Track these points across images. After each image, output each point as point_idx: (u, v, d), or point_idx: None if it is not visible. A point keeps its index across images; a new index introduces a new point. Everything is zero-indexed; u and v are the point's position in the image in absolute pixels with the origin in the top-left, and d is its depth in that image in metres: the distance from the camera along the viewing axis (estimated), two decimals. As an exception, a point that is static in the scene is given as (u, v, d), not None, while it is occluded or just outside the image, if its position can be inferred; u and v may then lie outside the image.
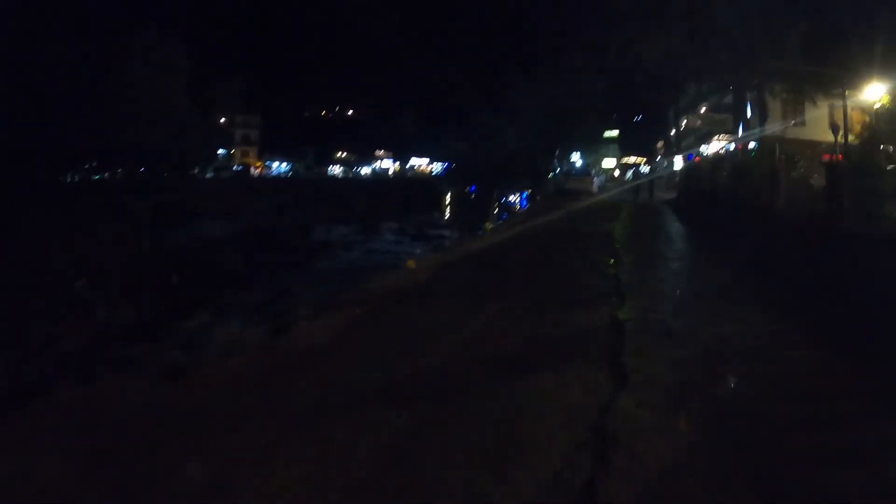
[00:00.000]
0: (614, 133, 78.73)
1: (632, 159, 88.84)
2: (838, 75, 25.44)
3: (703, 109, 52.02)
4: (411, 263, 16.99)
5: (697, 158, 44.46)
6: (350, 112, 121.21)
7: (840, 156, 19.86)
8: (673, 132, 65.73)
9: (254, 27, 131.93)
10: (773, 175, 16.76)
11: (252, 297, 24.12)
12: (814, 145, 28.77)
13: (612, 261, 16.21)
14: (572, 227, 25.26)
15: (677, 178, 43.41)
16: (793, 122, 32.61)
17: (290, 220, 48.68)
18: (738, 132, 36.48)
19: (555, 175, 60.02)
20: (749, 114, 35.59)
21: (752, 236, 16.54)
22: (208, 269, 30.27)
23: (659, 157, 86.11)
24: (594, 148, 73.15)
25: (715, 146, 45.99)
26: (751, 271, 13.58)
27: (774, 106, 34.01)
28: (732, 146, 39.18)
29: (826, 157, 20.06)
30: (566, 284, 13.86)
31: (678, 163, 52.50)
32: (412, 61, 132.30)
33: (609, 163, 78.66)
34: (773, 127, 32.93)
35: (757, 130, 33.35)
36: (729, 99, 41.50)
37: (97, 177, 61.70)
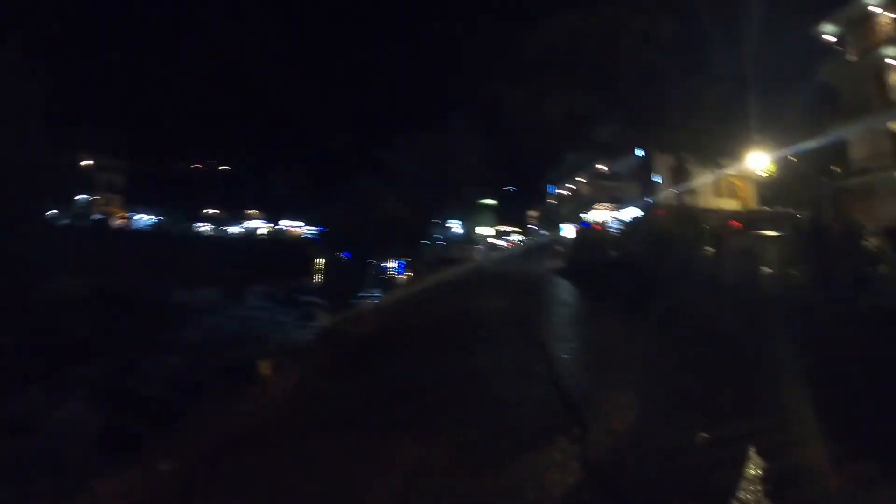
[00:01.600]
0: (491, 202, 78.99)
1: (506, 228, 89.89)
2: (725, 146, 26.19)
3: (577, 179, 52.64)
4: (265, 368, 13.35)
5: (597, 226, 41.95)
6: (223, 168, 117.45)
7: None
8: (551, 201, 66.21)
9: (131, 70, 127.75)
10: (718, 242, 16.09)
11: (89, 370, 21.52)
12: (709, 212, 28.77)
13: (538, 354, 12.90)
14: (467, 304, 22.16)
15: (565, 247, 42.97)
16: (686, 187, 32.49)
17: (149, 280, 45.15)
18: (643, 197, 36.31)
19: (436, 242, 59.05)
20: (648, 179, 35.45)
21: (712, 315, 14.35)
22: (45, 334, 27.06)
23: (532, 226, 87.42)
24: (471, 216, 72.84)
25: (597, 215, 45.87)
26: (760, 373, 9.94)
27: (662, 174, 34.56)
28: (622, 214, 39.12)
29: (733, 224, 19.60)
30: (492, 402, 9.63)
31: (566, 231, 52.18)
32: (291, 119, 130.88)
33: (486, 231, 78.55)
34: (665, 193, 33.28)
35: (653, 196, 33.56)
36: (617, 167, 42.22)
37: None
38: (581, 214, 50.14)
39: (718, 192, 34.12)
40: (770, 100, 24.12)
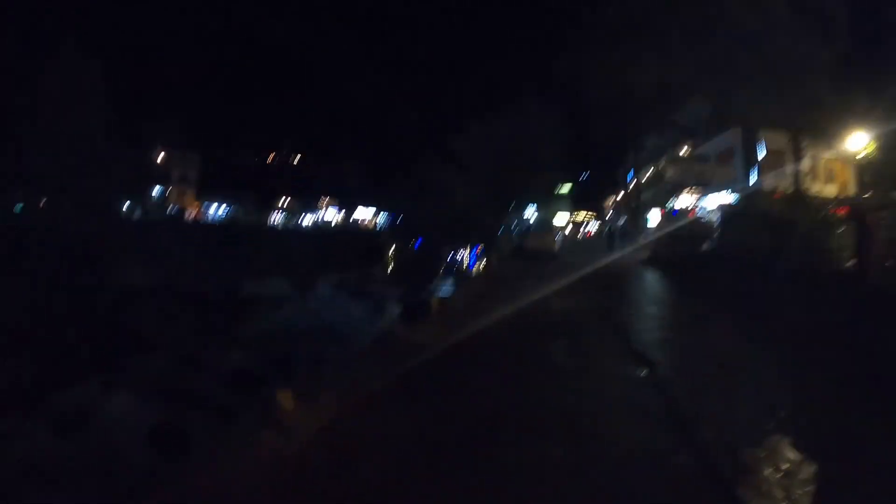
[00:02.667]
0: (567, 188, 75.67)
1: (581, 216, 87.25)
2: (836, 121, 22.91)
3: (661, 163, 49.45)
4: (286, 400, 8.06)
5: (690, 213, 37.97)
6: (296, 158, 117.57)
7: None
8: (632, 186, 62.82)
9: (203, 64, 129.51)
10: (862, 233, 12.82)
11: (151, 364, 20.66)
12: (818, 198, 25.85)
13: (641, 377, 9.56)
14: (548, 301, 18.73)
15: (651, 237, 40.49)
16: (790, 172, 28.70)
17: (220, 272, 44.61)
18: (743, 181, 32.08)
19: (512, 231, 57.15)
20: (751, 159, 30.93)
21: (875, 335, 10.47)
22: (111, 327, 26.50)
23: (610, 213, 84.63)
24: (546, 203, 69.98)
25: (683, 201, 42.61)
26: None
27: (755, 156, 31.53)
28: (712, 200, 35.95)
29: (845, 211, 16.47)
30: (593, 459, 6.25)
31: (651, 218, 49.39)
32: (362, 109, 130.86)
33: (562, 219, 76.10)
34: (767, 179, 30.04)
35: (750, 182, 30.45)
36: (704, 149, 39.08)
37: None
38: (666, 201, 47.30)
39: (815, 176, 30.67)
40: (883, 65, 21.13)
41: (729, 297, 17.03)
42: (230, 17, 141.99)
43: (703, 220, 31.56)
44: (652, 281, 25.87)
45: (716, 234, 24.31)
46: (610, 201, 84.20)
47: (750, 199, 23.93)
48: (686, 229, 29.21)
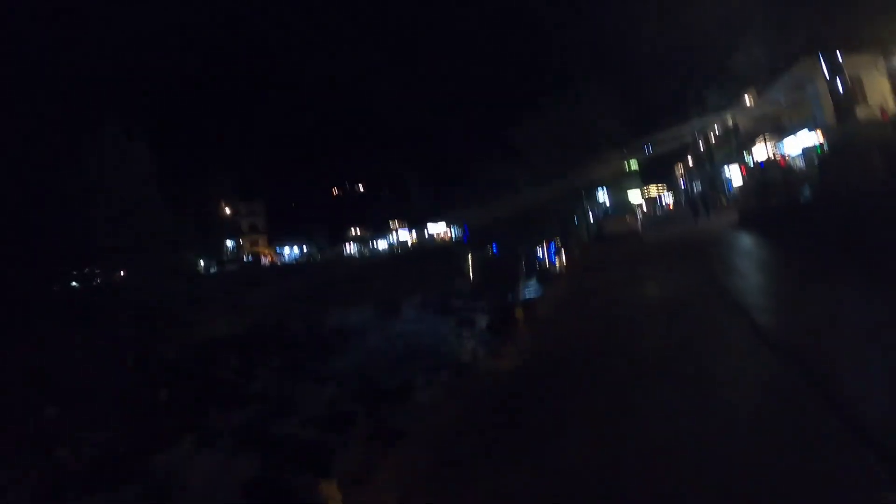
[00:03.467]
0: (633, 164, 72.71)
1: (653, 190, 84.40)
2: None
3: (730, 114, 46.13)
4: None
5: (781, 160, 31.72)
6: (360, 187, 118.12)
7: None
8: (702, 148, 59.67)
9: (252, 111, 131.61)
10: None
11: (243, 415, 20.05)
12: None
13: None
14: (645, 293, 15.30)
15: (736, 196, 37.98)
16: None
17: (302, 311, 44.41)
18: (823, 115, 28.82)
19: (588, 217, 55.26)
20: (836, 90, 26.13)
21: None
22: (199, 380, 26.23)
23: (682, 181, 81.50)
24: (617, 183, 67.43)
25: (760, 151, 38.88)
26: None
27: (825, 87, 28.79)
28: (792, 145, 32.65)
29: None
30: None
31: (733, 177, 45.87)
32: (417, 121, 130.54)
33: (635, 197, 73.52)
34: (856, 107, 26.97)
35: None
36: (771, 92, 35.97)
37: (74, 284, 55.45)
38: (740, 156, 44.29)
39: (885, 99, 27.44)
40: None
41: (853, 252, 13.35)
42: (275, 62, 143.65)
43: (793, 166, 28.62)
44: (753, 245, 22.03)
45: (810, 180, 21.14)
46: (680, 169, 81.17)
47: (847, 130, 20.63)
48: (777, 180, 25.82)
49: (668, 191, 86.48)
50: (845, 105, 19.80)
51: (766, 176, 27.26)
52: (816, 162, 21.97)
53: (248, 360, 29.67)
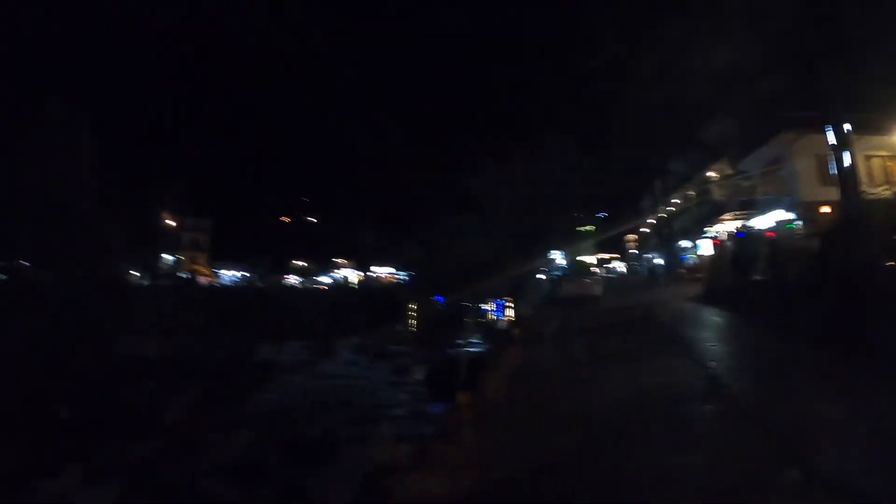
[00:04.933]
0: (590, 228, 72.31)
1: (606, 256, 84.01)
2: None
3: (703, 181, 44.99)
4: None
5: (770, 233, 29.58)
6: (309, 219, 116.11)
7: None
8: (660, 216, 58.87)
9: (211, 127, 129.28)
10: None
11: (144, 449, 18.07)
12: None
13: None
14: (608, 368, 13.44)
15: (700, 269, 36.99)
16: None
17: (232, 338, 42.26)
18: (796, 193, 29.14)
19: (549, 276, 54.13)
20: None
21: None
22: (105, 405, 23.97)
23: (633, 250, 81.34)
24: (571, 246, 66.78)
25: (726, 226, 37.72)
26: None
27: (806, 163, 28.92)
28: (761, 221, 31.72)
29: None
30: None
31: (702, 247, 44.17)
32: (372, 162, 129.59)
33: (588, 260, 73.14)
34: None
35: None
36: (742, 165, 35.35)
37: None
38: (702, 228, 43.19)
39: (872, 177, 27.20)
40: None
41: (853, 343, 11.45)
42: (235, 78, 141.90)
43: (785, 240, 26.91)
44: (732, 325, 19.50)
45: (806, 257, 19.46)
46: (631, 238, 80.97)
47: (854, 206, 19.55)
48: (759, 254, 24.17)
49: (620, 260, 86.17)
50: (851, 181, 18.80)
51: (746, 248, 25.91)
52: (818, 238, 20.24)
53: (164, 386, 27.47)
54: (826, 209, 25.68)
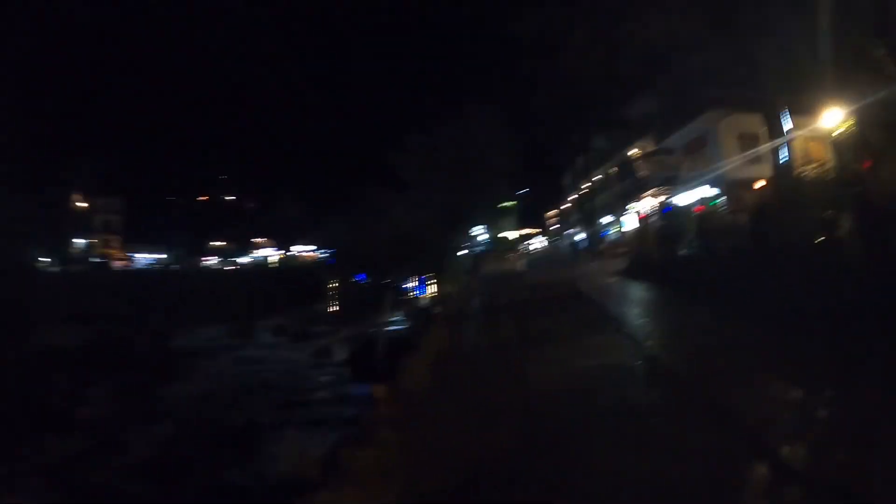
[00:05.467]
0: (511, 203, 72.10)
1: (527, 231, 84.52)
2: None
3: (628, 157, 45.09)
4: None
5: (699, 207, 30.14)
6: (228, 198, 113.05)
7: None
8: (581, 192, 58.76)
9: (122, 102, 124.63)
10: None
11: (62, 448, 17.71)
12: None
13: None
14: (529, 343, 13.31)
15: (622, 244, 37.87)
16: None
17: (149, 324, 41.41)
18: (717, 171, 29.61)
19: (471, 252, 54.45)
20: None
21: None
22: (18, 399, 23.24)
23: (554, 226, 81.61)
24: (493, 221, 66.70)
25: (646, 202, 38.12)
26: None
27: (730, 142, 29.63)
28: (683, 197, 32.27)
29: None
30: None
31: (627, 222, 44.66)
32: (292, 133, 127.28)
33: (509, 236, 73.60)
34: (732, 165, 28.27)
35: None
36: (667, 143, 35.87)
37: None
38: (625, 204, 43.36)
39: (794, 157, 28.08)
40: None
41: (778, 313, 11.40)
42: (151, 47, 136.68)
43: (713, 215, 27.13)
44: (661, 299, 19.25)
45: (735, 232, 19.90)
46: (552, 214, 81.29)
47: (786, 184, 19.72)
48: (684, 229, 24.38)
49: (542, 235, 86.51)
50: (783, 160, 19.33)
51: (673, 223, 26.34)
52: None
53: (81, 379, 26.76)
54: (758, 185, 26.25)
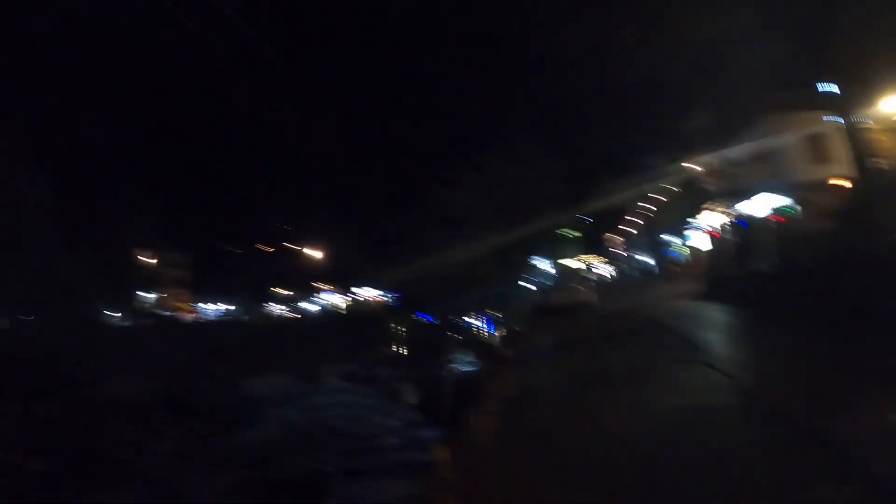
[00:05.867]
0: (574, 232, 70.41)
1: (590, 259, 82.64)
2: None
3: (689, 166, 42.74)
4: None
5: (780, 217, 27.28)
6: (291, 245, 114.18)
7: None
8: (644, 213, 56.64)
9: (183, 157, 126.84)
10: None
11: (126, 498, 17.06)
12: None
13: None
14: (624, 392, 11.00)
15: (695, 263, 36.00)
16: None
17: (219, 374, 41.05)
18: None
19: (536, 284, 52.99)
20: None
21: None
22: (80, 450, 22.78)
23: (616, 251, 79.51)
24: (555, 251, 65.09)
25: (714, 218, 35.59)
26: None
27: (796, 146, 27.82)
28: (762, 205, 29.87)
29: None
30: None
31: (698, 240, 40.95)
32: (343, 179, 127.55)
33: (576, 265, 71.93)
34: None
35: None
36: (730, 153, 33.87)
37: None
38: (684, 221, 41.10)
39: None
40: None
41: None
42: (215, 98, 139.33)
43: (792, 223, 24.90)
44: (746, 323, 17.53)
45: (817, 240, 18.05)
46: (614, 238, 79.06)
47: (873, 183, 17.83)
48: (765, 242, 22.14)
49: (606, 261, 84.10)
50: (863, 157, 17.78)
51: (750, 237, 24.23)
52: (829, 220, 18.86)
53: (142, 429, 26.28)
54: (835, 183, 24.48)
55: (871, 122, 21.87)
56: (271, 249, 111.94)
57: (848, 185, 22.65)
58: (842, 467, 5.68)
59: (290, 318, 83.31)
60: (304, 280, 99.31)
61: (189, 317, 74.03)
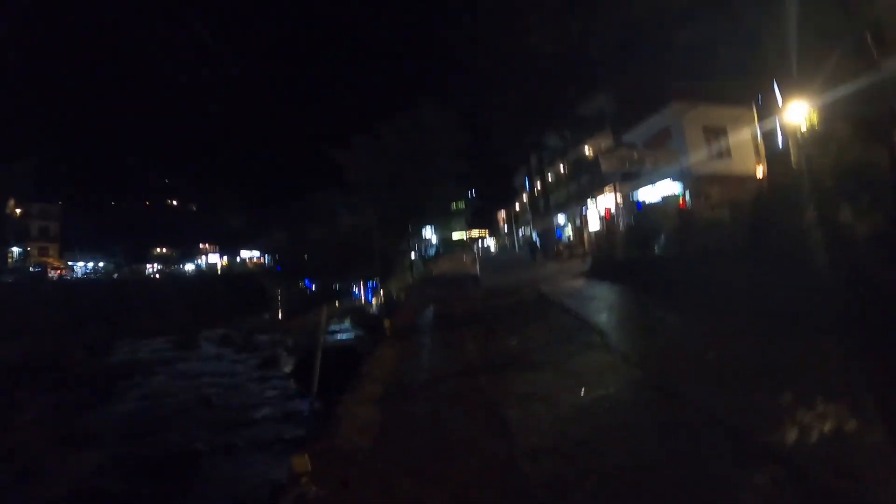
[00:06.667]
0: (461, 205, 70.92)
1: (477, 233, 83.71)
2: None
3: (572, 161, 43.41)
4: None
5: (683, 200, 28.05)
6: (170, 203, 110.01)
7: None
8: (535, 192, 56.94)
9: (59, 102, 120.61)
10: None
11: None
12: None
13: None
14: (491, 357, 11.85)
15: (585, 244, 37.03)
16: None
17: (87, 337, 39.48)
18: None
19: (421, 255, 53.13)
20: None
21: None
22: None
23: (505, 227, 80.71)
24: (442, 223, 65.39)
25: (604, 202, 35.54)
26: None
27: (695, 136, 28.80)
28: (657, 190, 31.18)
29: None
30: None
31: (589, 221, 40.34)
32: (236, 135, 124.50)
33: (459, 238, 72.90)
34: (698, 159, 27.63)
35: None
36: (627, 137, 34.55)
37: None
38: (582, 202, 41.68)
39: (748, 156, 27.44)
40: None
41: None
42: (90, 45, 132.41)
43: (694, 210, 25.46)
44: (642, 304, 17.02)
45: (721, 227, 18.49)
46: (502, 215, 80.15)
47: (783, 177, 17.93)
48: (660, 226, 22.42)
49: (491, 236, 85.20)
50: (779, 153, 18.29)
51: (647, 220, 24.58)
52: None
53: (4, 402, 24.96)
54: (732, 176, 25.45)
55: (780, 120, 22.76)
56: (148, 204, 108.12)
57: (748, 178, 23.63)
58: (743, 446, 5.77)
59: (165, 277, 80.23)
60: (183, 239, 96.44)
61: (58, 273, 70.17)
